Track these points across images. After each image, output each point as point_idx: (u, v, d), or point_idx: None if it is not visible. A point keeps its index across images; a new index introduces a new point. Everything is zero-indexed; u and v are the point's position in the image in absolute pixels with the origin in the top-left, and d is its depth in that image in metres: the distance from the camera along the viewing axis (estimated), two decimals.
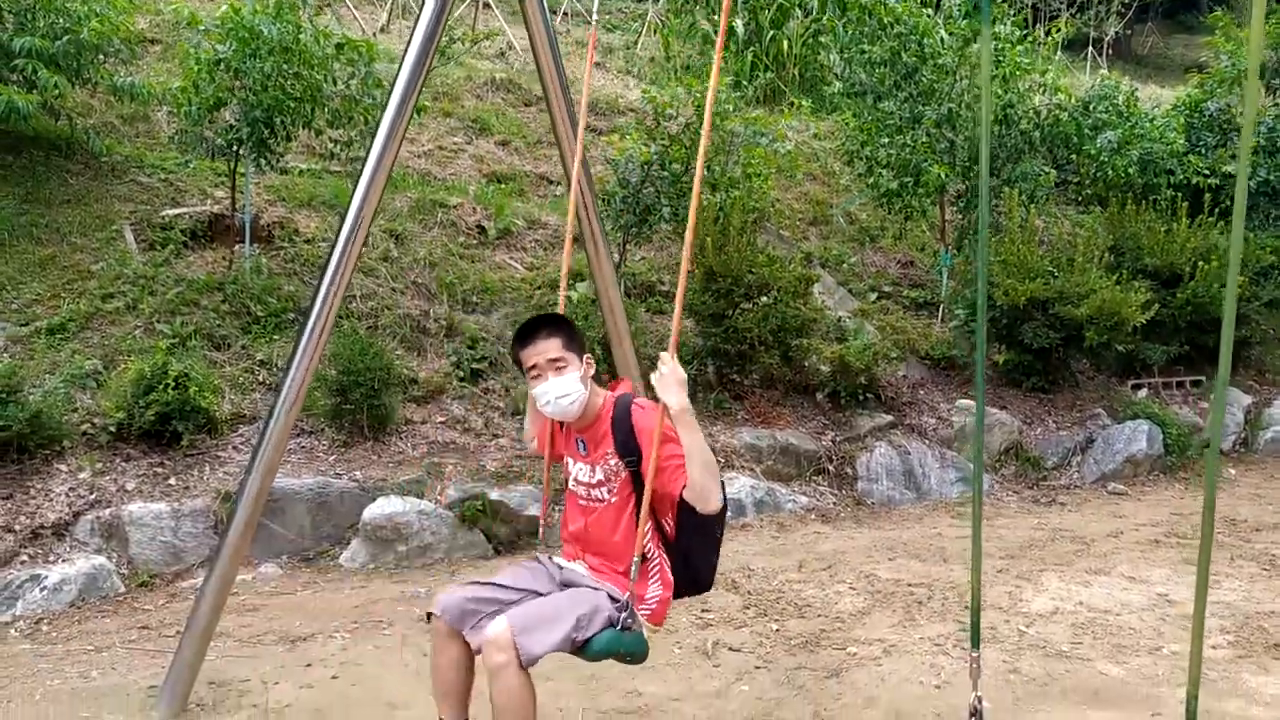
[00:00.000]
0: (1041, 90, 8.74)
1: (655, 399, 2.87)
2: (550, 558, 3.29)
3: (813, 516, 6.35)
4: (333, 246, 3.85)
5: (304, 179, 8.24)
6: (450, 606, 3.01)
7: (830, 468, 6.70)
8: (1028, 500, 6.90)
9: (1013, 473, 7.21)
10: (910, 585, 5.15)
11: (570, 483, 3.20)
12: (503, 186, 9.33)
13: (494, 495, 5.66)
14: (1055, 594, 5.04)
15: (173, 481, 5.38)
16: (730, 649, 4.44)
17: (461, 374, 6.77)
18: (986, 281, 7.55)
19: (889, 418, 7.05)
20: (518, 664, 2.81)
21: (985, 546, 5.78)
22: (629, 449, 3.02)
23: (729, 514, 5.80)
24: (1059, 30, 8.77)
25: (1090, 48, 19.63)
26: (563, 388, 3.01)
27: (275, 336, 6.56)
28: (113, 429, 5.47)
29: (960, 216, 9.46)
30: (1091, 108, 8.83)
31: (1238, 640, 4.48)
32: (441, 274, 7.63)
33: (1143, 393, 8.07)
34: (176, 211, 7.24)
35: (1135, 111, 9.15)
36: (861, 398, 6.98)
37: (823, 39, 13.16)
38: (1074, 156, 8.71)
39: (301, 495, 5.39)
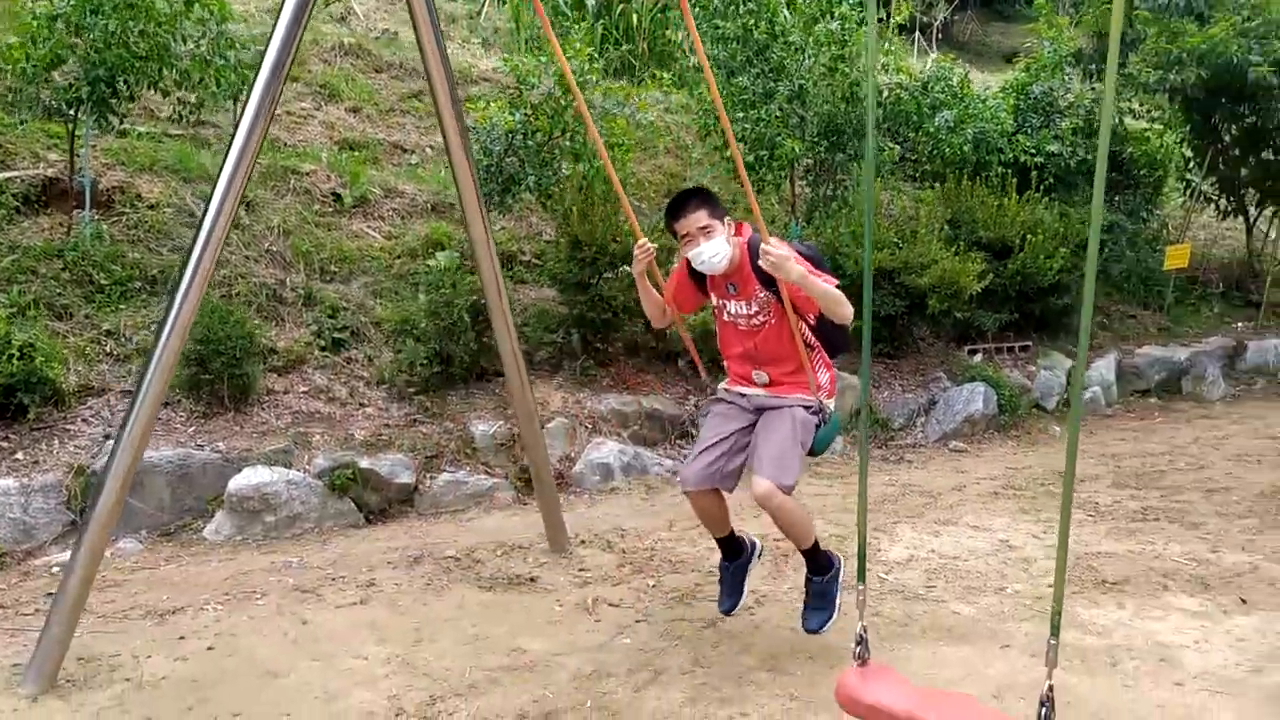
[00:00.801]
0: (885, 70, 9.12)
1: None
2: (726, 391, 4.08)
3: (677, 479, 6.52)
4: (204, 212, 3.74)
5: (144, 143, 7.85)
6: (694, 478, 3.89)
7: (693, 432, 6.89)
8: (878, 459, 7.27)
9: None
10: (775, 540, 5.35)
11: (726, 316, 3.96)
12: (355, 154, 9.13)
13: (364, 464, 5.60)
14: (909, 543, 5.36)
15: (20, 456, 5.12)
16: (610, 604, 4.56)
17: (323, 343, 6.64)
18: (840, 251, 7.89)
19: None
20: (786, 498, 3.68)
21: (842, 502, 6.11)
22: (769, 281, 3.72)
23: (598, 479, 5.94)
24: (901, 14, 9.17)
25: (918, 33, 20.48)
26: (714, 249, 3.71)
27: (121, 306, 6.28)
28: None
29: (809, 190, 9.81)
30: (930, 88, 9.26)
31: (1071, 578, 4.87)
32: (297, 242, 7.44)
33: (977, 357, 8.58)
34: (7, 175, 6.81)
35: (968, 93, 9.66)
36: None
37: (670, 13, 13.37)
38: (913, 135, 9.13)
39: (161, 468, 5.20)
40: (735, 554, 4.21)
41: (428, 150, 9.95)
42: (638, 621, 4.40)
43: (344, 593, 4.63)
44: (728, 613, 4.20)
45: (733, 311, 3.93)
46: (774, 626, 4.34)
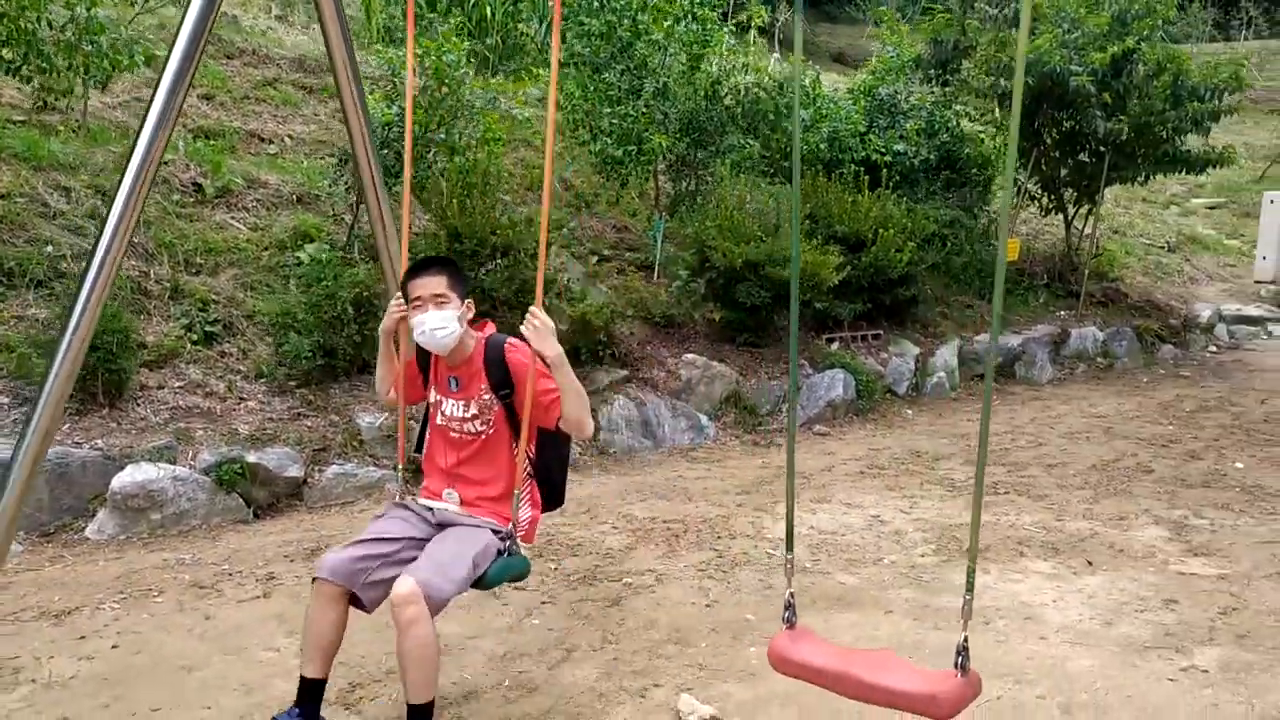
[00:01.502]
0: (743, 71, 9.48)
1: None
2: (414, 500, 3.50)
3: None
4: (111, 201, 3.68)
5: None
6: (339, 568, 3.17)
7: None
8: (748, 444, 7.60)
9: (733, 420, 7.90)
10: (665, 522, 5.61)
11: (439, 419, 3.42)
12: (212, 143, 8.88)
13: (251, 458, 5.53)
14: None
15: None
16: (515, 588, 4.68)
17: (195, 337, 6.48)
18: (708, 245, 8.17)
19: (624, 372, 7.50)
20: (428, 615, 3.03)
21: (721, 485, 6.38)
22: (503, 384, 3.30)
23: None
24: (759, 17, 9.54)
25: (753, 33, 21.18)
26: (440, 321, 3.23)
27: None
28: None
29: (670, 185, 10.10)
30: (785, 88, 9.68)
31: (939, 548, 5.29)
32: (159, 233, 7.21)
33: (834, 345, 9.04)
34: None
35: (820, 94, 10.13)
36: (604, 355, 7.38)
37: (521, 5, 13.42)
38: (770, 133, 9.53)
39: (40, 466, 4.99)
40: (313, 711, 3.31)
41: (286, 140, 9.76)
42: (543, 603, 4.54)
43: (243, 587, 4.60)
44: None
45: (447, 413, 3.39)
46: (674, 603, 4.55)
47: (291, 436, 5.84)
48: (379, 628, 4.21)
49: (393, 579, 3.10)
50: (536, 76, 8.54)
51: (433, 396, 3.46)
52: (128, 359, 5.59)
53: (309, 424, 6.00)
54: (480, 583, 3.23)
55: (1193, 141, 12.02)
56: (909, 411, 8.69)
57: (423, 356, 3.50)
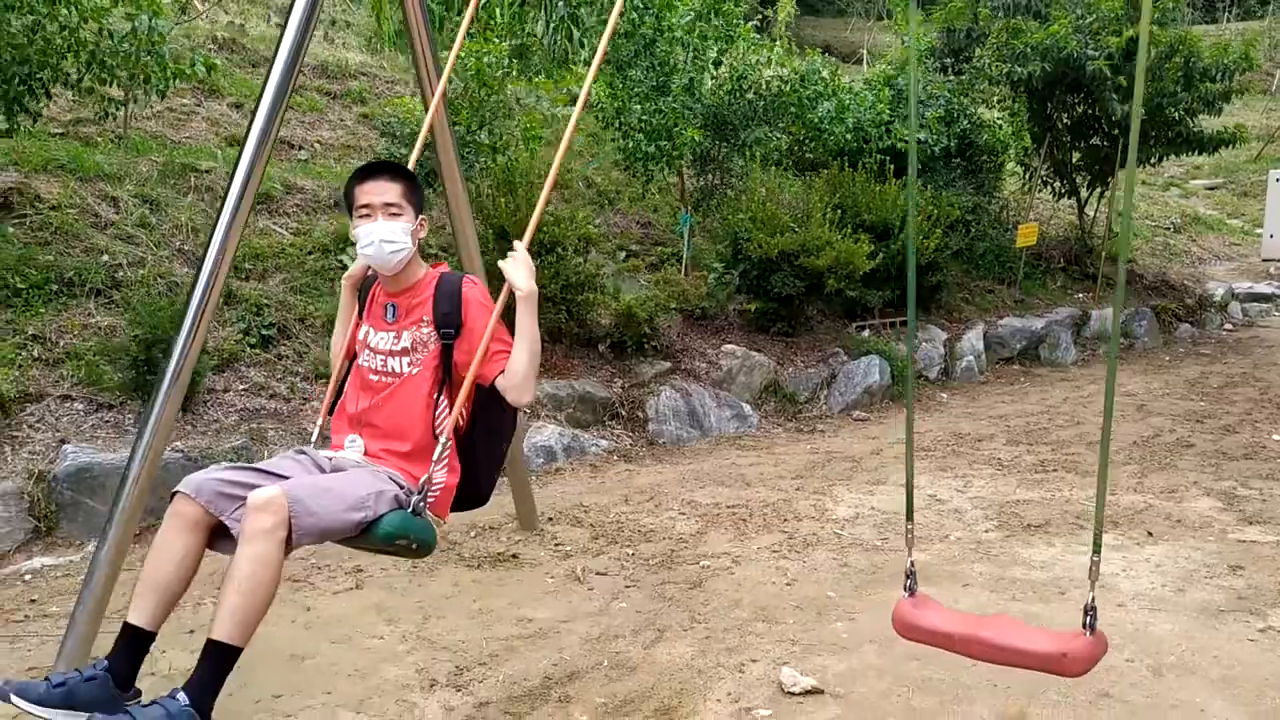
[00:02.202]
0: (768, 65, 9.61)
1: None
2: (317, 450, 3.09)
3: (615, 457, 6.81)
4: (215, 221, 3.78)
5: (30, 142, 7.55)
6: (204, 486, 2.65)
7: (623, 412, 7.18)
8: (792, 430, 7.73)
9: (774, 408, 8.03)
10: (729, 507, 5.73)
11: (361, 356, 3.06)
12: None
13: None
14: (850, 503, 5.80)
15: None
16: (597, 574, 4.81)
17: (253, 341, 6.59)
18: (742, 236, 8.29)
19: (667, 364, 7.62)
20: (283, 537, 2.52)
21: (774, 470, 6.50)
22: (449, 320, 2.93)
23: (542, 461, 6.11)
24: (786, 10, 9.67)
25: (781, 26, 21.32)
26: (390, 233, 2.90)
27: (42, 310, 6.09)
28: None
29: (695, 180, 10.22)
30: (806, 81, 9.80)
31: (1001, 525, 5.42)
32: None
33: (865, 332, 9.17)
34: None
35: (839, 86, 10.26)
36: (647, 347, 7.50)
37: (527, 9, 13.52)
38: (795, 125, 9.65)
39: (121, 469, 5.11)
40: (125, 668, 2.73)
41: (315, 146, 9.86)
42: (627, 587, 4.66)
43: (335, 580, 4.72)
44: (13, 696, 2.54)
45: (372, 346, 3.03)
46: (755, 583, 4.67)
47: None
48: (471, 614, 4.35)
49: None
50: (578, 77, 8.62)
51: (360, 332, 3.09)
52: (201, 362, 5.69)
53: None
54: (369, 531, 2.71)
55: (1204, 122, 12.17)
56: (943, 395, 8.83)
57: (360, 290, 3.18)
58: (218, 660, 2.59)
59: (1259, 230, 17.26)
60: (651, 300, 7.48)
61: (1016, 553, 4.98)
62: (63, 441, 5.17)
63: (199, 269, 3.79)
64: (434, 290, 3.00)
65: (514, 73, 7.42)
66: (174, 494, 2.72)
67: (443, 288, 3.00)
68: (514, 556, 5.02)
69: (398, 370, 2.97)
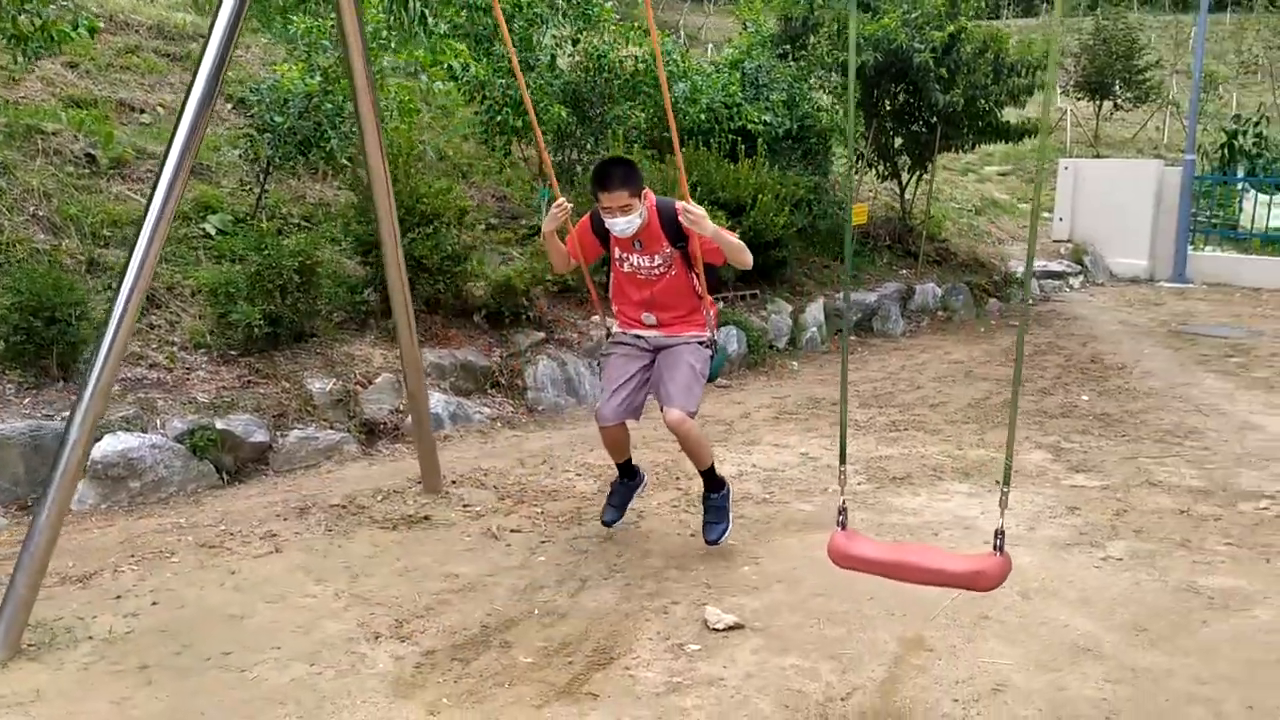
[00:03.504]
0: (625, 44, 9.88)
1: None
2: (623, 333, 4.70)
3: (499, 424, 7.00)
4: (151, 195, 3.80)
5: None
6: (610, 414, 4.52)
7: (503, 381, 7.37)
8: None
9: None
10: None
11: (626, 268, 4.54)
12: (89, 112, 8.59)
13: (220, 425, 5.61)
14: (732, 462, 6.22)
15: None
16: (512, 531, 5.04)
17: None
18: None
19: (541, 334, 7.84)
20: (693, 424, 4.40)
21: (655, 434, 6.82)
22: (679, 239, 4.38)
23: (431, 428, 6.18)
24: None
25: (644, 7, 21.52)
26: (628, 223, 4.32)
27: None
28: None
29: (554, 155, 10.40)
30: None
31: (870, 478, 5.95)
32: (62, 206, 7.04)
33: (721, 305, 9.62)
34: None
35: (691, 68, 10.66)
36: (523, 318, 7.70)
37: None
38: (649, 105, 9.98)
39: (13, 439, 4.97)
40: (630, 475, 4.96)
41: (159, 110, 9.51)
42: (543, 543, 4.91)
43: (250, 545, 4.76)
44: (609, 523, 4.89)
45: (634, 264, 4.52)
46: (661, 534, 5.02)
47: (249, 403, 5.93)
48: (398, 572, 4.51)
49: (645, 399, 4.63)
50: (458, 51, 8.59)
51: (617, 254, 4.54)
52: (85, 331, 5.55)
53: (262, 391, 6.09)
54: (708, 380, 4.56)
55: (1008, 114, 13.25)
56: (794, 364, 9.40)
57: (598, 225, 4.50)
58: (708, 477, 4.69)
59: (1047, 214, 18.85)
60: (528, 272, 7.67)
61: (889, 501, 5.51)
62: None
63: (138, 230, 3.79)
64: (659, 223, 4.38)
65: (391, 45, 7.41)
66: (601, 427, 4.63)
67: (664, 219, 4.37)
68: (426, 518, 5.18)
69: (661, 273, 4.48)
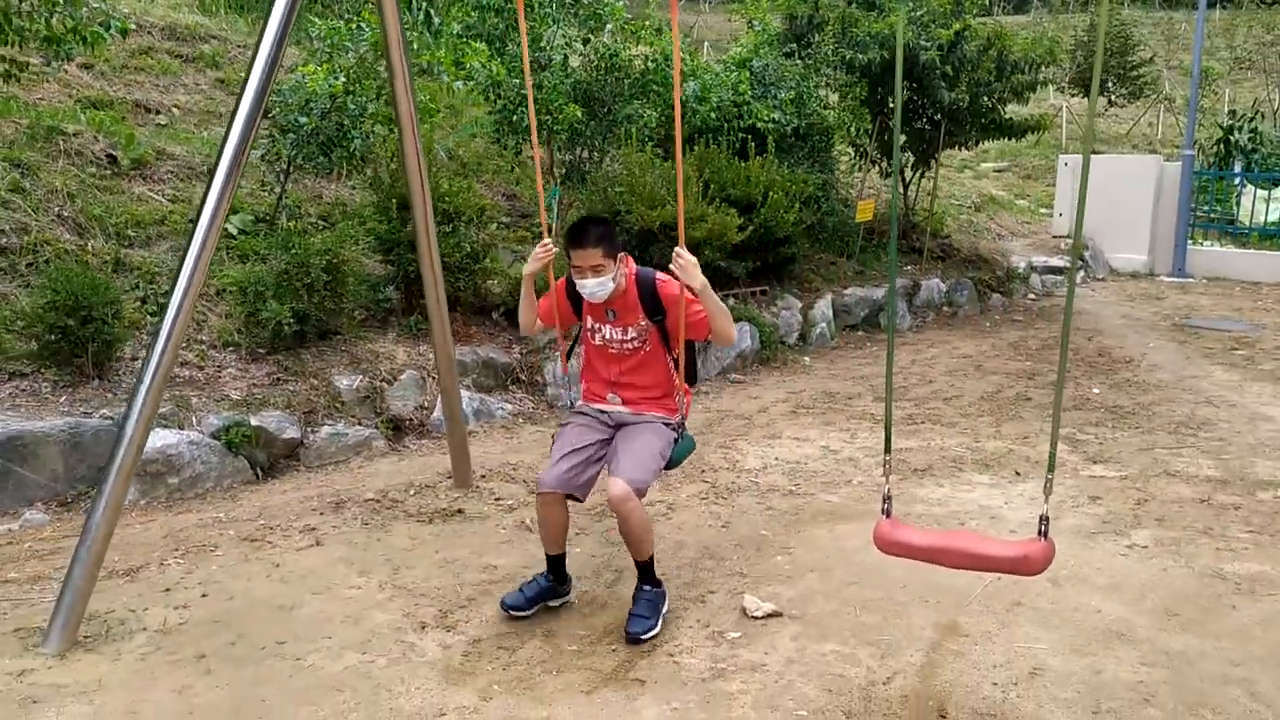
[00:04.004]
0: (637, 43, 9.96)
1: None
2: (587, 406, 4.23)
3: (521, 420, 7.08)
4: (201, 205, 3.88)
5: None
6: (552, 481, 3.91)
7: (523, 377, 7.44)
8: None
9: None
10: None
11: (597, 340, 4.16)
12: (102, 114, 8.64)
13: (254, 421, 5.68)
14: (756, 455, 6.30)
15: None
16: None
17: (152, 309, 6.48)
18: (617, 210, 8.65)
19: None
20: (639, 503, 3.84)
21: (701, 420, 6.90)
22: (656, 311, 4.03)
23: None
24: None
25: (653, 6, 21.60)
26: (599, 286, 3.93)
27: None
28: None
29: (564, 155, 10.49)
30: (671, 61, 10.22)
31: (893, 470, 6.02)
32: (86, 206, 7.10)
33: (732, 301, 9.71)
34: None
35: (699, 66, 10.74)
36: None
37: None
38: (659, 103, 10.06)
39: (52, 437, 5.03)
40: (559, 578, 4.22)
41: (174, 110, 9.58)
42: (577, 534, 4.98)
43: (291, 539, 4.83)
44: (508, 607, 4.05)
45: (606, 336, 4.11)
46: (694, 526, 5.10)
47: (280, 400, 6.00)
48: (438, 564, 4.59)
49: (595, 475, 4.05)
50: (480, 53, 8.64)
51: (589, 324, 4.15)
52: (120, 329, 5.61)
53: (291, 388, 6.16)
54: (668, 466, 4.10)
55: (1011, 110, 13.35)
56: (806, 359, 9.49)
57: (573, 290, 4.09)
58: (644, 570, 4.05)
59: (1044, 210, 18.96)
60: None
61: (913, 493, 5.60)
62: None
63: (188, 240, 3.86)
64: (636, 292, 4.01)
65: (414, 45, 7.47)
66: (539, 493, 3.95)
67: (642, 290, 4.02)
68: (459, 511, 5.26)
69: (634, 348, 4.08)
